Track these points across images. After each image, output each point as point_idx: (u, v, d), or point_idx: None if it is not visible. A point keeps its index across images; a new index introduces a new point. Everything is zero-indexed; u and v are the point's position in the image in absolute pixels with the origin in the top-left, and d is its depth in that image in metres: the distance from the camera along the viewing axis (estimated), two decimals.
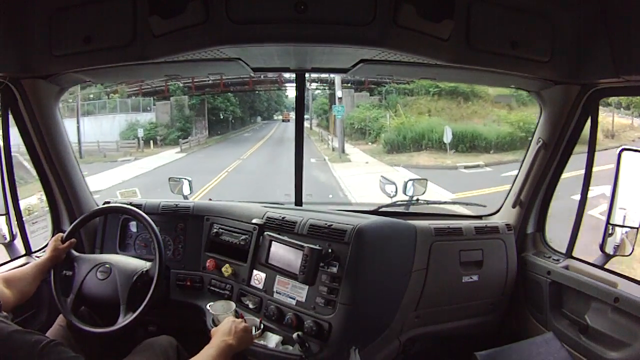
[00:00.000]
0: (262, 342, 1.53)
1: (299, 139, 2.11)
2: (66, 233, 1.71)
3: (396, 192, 2.40)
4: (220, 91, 20.36)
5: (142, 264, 1.68)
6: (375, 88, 17.91)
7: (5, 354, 0.86)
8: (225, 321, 1.34)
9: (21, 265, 1.74)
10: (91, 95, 18.35)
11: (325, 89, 21.23)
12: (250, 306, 1.67)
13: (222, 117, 21.34)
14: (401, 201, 2.31)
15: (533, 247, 2.02)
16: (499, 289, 1.99)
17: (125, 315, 1.56)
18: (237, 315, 1.61)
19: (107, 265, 1.65)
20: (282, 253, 1.60)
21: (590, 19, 1.40)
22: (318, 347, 1.48)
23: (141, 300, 1.58)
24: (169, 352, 1.51)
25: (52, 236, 1.95)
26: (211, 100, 20.59)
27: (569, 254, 1.86)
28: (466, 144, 14.35)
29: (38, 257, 1.85)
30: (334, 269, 1.53)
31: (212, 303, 1.66)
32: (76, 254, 1.70)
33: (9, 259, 1.81)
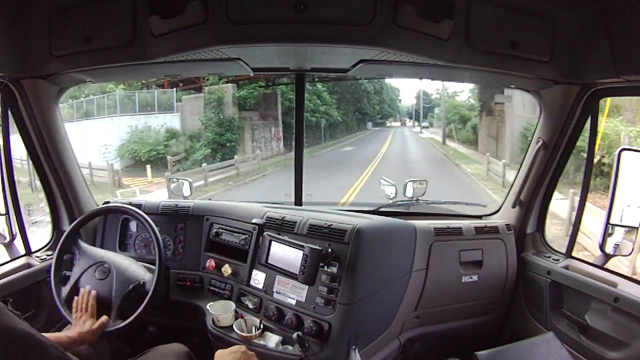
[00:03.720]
0: (262, 342, 1.53)
1: (298, 140, 2.11)
2: (66, 233, 1.71)
3: (396, 193, 2.40)
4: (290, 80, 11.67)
5: (141, 273, 1.64)
6: None
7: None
8: (233, 348, 1.27)
9: (21, 266, 1.75)
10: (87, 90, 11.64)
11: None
12: (250, 306, 1.67)
13: (311, 122, 13.26)
14: (401, 201, 2.32)
15: (533, 247, 2.02)
16: (499, 289, 1.99)
17: (115, 321, 1.53)
18: (237, 315, 1.61)
19: (106, 265, 1.64)
20: (282, 253, 1.60)
21: (590, 19, 1.40)
22: (318, 347, 1.48)
23: (132, 310, 1.54)
24: None
25: (52, 236, 1.96)
26: (290, 96, 11.95)
27: (568, 254, 1.87)
28: None
29: (38, 256, 1.85)
30: (334, 269, 1.53)
31: (212, 303, 1.67)
32: (82, 245, 1.69)
33: (9, 259, 1.81)
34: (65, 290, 1.60)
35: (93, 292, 1.51)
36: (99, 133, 11.67)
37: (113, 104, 11.92)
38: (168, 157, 10.95)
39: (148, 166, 10.51)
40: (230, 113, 11.67)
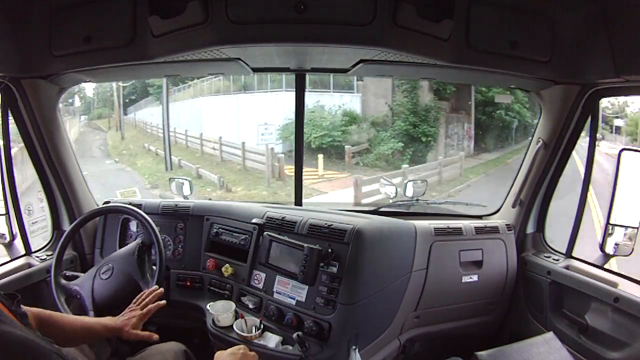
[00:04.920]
0: (262, 342, 1.53)
1: (298, 141, 2.11)
2: (66, 233, 1.71)
3: (396, 193, 2.40)
4: None
5: (133, 245, 1.72)
6: None
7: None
8: (233, 349, 1.26)
9: (21, 266, 1.74)
10: None
11: None
12: (250, 306, 1.67)
13: (504, 121, 10.25)
14: (401, 201, 2.31)
15: (533, 247, 2.02)
16: (499, 289, 1.99)
17: (148, 285, 1.58)
18: (238, 315, 1.61)
19: (108, 265, 1.64)
20: (282, 253, 1.59)
21: (590, 19, 1.40)
22: (318, 347, 1.48)
23: (152, 267, 1.66)
24: (178, 358, 1.50)
25: (52, 236, 1.96)
26: (483, 89, 9.87)
27: (568, 254, 1.87)
28: None
29: (38, 256, 1.85)
30: (334, 269, 1.53)
31: (212, 303, 1.67)
32: (69, 283, 1.65)
33: (9, 258, 1.81)
34: (91, 315, 1.57)
35: (162, 303, 1.39)
36: (259, 109, 9.64)
37: (278, 77, 9.54)
38: (346, 147, 8.57)
39: (320, 156, 8.13)
40: (427, 100, 9.16)
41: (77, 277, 1.71)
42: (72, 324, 1.25)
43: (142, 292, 1.44)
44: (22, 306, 1.00)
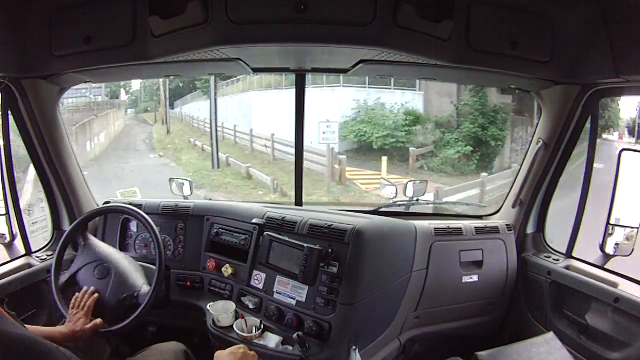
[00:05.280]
0: (262, 342, 1.53)
1: (298, 141, 2.11)
2: (66, 233, 1.71)
3: (396, 194, 2.40)
4: None
5: (138, 284, 1.56)
6: None
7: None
8: (233, 348, 1.26)
9: (21, 266, 1.75)
10: None
11: None
12: (250, 306, 1.67)
13: None
14: (401, 201, 2.32)
15: (533, 247, 2.02)
16: (499, 289, 1.99)
17: (104, 323, 1.47)
18: (238, 315, 1.62)
19: (106, 265, 1.63)
20: (282, 253, 1.59)
21: (590, 19, 1.40)
22: (318, 347, 1.48)
23: (121, 318, 1.50)
24: (178, 358, 1.50)
25: (52, 236, 1.96)
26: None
27: (569, 254, 1.87)
28: None
29: (38, 256, 1.85)
30: (334, 269, 1.53)
31: (212, 303, 1.67)
32: (89, 237, 1.67)
33: (9, 258, 1.81)
34: (62, 278, 1.58)
35: (95, 295, 1.48)
36: (314, 105, 8.82)
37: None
38: (411, 149, 8.03)
39: (384, 158, 7.68)
40: (494, 100, 8.46)
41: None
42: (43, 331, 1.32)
43: (76, 296, 1.49)
44: None
